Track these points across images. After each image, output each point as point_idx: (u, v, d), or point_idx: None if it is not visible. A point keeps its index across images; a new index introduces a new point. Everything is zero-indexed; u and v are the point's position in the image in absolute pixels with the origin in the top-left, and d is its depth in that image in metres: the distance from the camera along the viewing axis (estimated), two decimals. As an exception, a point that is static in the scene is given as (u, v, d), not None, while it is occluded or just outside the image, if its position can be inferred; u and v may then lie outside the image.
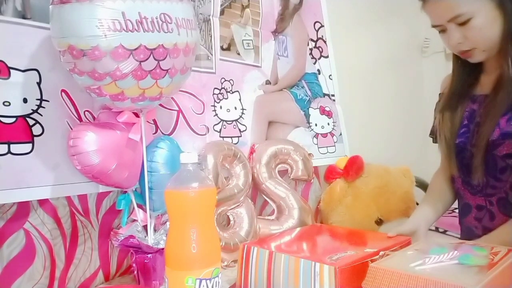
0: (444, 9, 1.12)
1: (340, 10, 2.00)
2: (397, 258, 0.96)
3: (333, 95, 1.85)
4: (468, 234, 1.27)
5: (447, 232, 1.66)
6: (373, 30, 2.24)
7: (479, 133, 1.18)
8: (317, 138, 1.77)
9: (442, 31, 1.17)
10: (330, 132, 1.81)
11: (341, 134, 1.85)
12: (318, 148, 1.76)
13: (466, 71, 1.24)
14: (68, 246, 1.14)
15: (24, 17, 1.05)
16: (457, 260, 0.92)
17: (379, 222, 1.56)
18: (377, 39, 2.27)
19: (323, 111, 1.81)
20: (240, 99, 1.55)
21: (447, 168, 1.30)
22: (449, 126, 1.26)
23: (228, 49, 1.52)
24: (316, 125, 1.78)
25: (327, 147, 1.79)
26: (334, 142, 1.82)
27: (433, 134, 1.36)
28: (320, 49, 1.84)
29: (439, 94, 1.37)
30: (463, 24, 1.11)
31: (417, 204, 1.48)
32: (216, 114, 1.47)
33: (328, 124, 1.82)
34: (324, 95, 1.83)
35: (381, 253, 1.02)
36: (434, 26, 1.18)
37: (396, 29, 2.41)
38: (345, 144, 1.85)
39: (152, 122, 1.27)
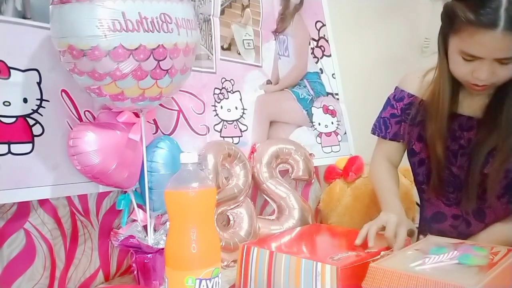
0: (504, 47, 1.01)
1: (341, 9, 2.00)
2: (397, 258, 0.96)
3: (336, 94, 1.85)
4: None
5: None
6: (374, 30, 2.24)
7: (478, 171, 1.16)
8: (320, 138, 1.77)
9: (471, 60, 1.06)
10: (334, 131, 1.81)
11: (345, 133, 1.84)
12: (322, 147, 1.76)
13: (454, 89, 1.18)
14: (68, 246, 1.14)
15: (24, 17, 1.05)
16: (457, 260, 0.92)
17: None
18: (377, 38, 2.26)
19: (326, 110, 1.80)
20: (240, 99, 1.55)
21: (436, 184, 1.25)
22: (442, 147, 1.20)
23: (228, 49, 1.52)
24: (319, 124, 1.77)
25: (331, 146, 1.79)
26: (339, 141, 1.81)
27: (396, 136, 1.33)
28: (322, 48, 1.84)
29: (400, 90, 1.32)
30: (504, 63, 1.03)
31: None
32: (217, 114, 1.47)
33: (332, 123, 1.81)
34: (328, 94, 1.82)
35: (382, 253, 1.02)
36: (468, 55, 1.05)
37: (397, 28, 2.40)
38: (350, 143, 1.85)
39: (152, 122, 1.27)
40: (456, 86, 1.17)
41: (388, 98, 1.36)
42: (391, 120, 1.33)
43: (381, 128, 1.35)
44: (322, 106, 1.79)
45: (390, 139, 1.33)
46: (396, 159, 1.36)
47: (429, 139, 1.22)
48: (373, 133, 1.37)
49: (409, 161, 1.33)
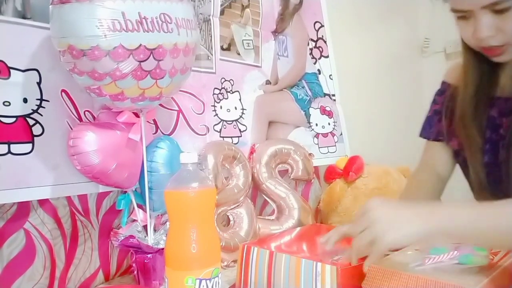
0: None
1: (340, 10, 2.00)
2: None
3: (333, 95, 1.85)
4: None
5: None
6: (373, 30, 2.24)
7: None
8: (317, 138, 1.77)
9: (464, 17, 0.93)
10: (330, 132, 1.81)
11: (341, 134, 1.85)
12: (319, 148, 1.76)
13: (483, 68, 1.01)
14: (68, 246, 1.15)
15: (24, 17, 1.05)
16: (457, 260, 0.92)
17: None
18: (377, 39, 2.27)
19: (323, 111, 1.81)
20: (240, 99, 1.55)
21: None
22: (477, 142, 1.03)
23: (228, 49, 1.52)
24: (316, 125, 1.78)
25: (327, 147, 1.79)
26: (335, 142, 1.82)
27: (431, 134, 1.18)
28: (320, 49, 1.84)
29: (442, 82, 1.18)
30: (501, 12, 0.87)
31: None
32: (216, 114, 1.47)
33: (329, 124, 1.81)
34: (325, 95, 1.83)
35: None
36: (455, 11, 0.93)
37: (396, 29, 2.41)
38: (345, 144, 1.85)
39: (152, 122, 1.27)
40: (489, 64, 1.00)
41: (434, 94, 1.21)
42: (435, 118, 1.17)
43: (425, 128, 1.19)
44: (319, 107, 1.80)
45: (434, 140, 1.17)
46: (442, 166, 1.15)
47: (457, 123, 1.06)
48: (420, 135, 1.22)
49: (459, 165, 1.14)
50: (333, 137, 1.82)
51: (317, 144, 1.76)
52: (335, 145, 1.82)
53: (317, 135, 1.77)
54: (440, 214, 0.83)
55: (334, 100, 1.85)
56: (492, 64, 0.99)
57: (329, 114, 1.82)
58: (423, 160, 1.20)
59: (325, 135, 1.80)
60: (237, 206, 1.41)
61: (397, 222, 0.83)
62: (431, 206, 0.87)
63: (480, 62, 1.00)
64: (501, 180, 1.00)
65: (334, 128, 1.82)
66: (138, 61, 0.95)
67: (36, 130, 1.05)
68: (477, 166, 1.04)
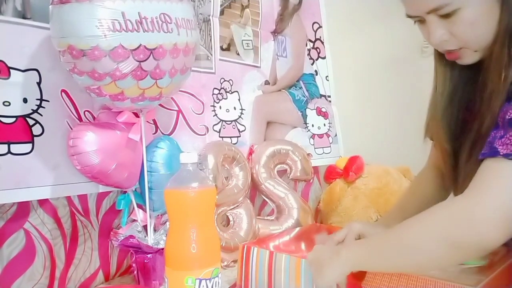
0: None
1: (339, 10, 2.00)
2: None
3: (329, 96, 1.86)
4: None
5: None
6: (373, 30, 2.24)
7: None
8: (313, 139, 1.78)
9: (420, 21, 0.92)
10: (326, 133, 1.82)
11: (336, 135, 1.85)
12: (315, 148, 1.77)
13: (456, 72, 0.98)
14: (68, 246, 1.14)
15: (24, 17, 1.05)
16: (457, 260, 0.92)
17: (379, 222, 1.56)
18: (377, 39, 2.27)
19: (319, 112, 1.81)
20: (239, 99, 1.55)
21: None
22: (444, 147, 1.00)
23: (227, 49, 1.52)
24: (312, 125, 1.78)
25: (323, 147, 1.80)
26: (330, 143, 1.83)
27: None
28: (318, 50, 1.84)
29: None
30: (447, 16, 0.85)
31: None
32: (216, 114, 1.47)
33: (324, 125, 1.82)
34: (321, 96, 1.83)
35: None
36: (408, 16, 0.93)
37: (396, 29, 2.40)
38: (340, 145, 1.86)
39: (152, 122, 1.27)
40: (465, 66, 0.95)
41: None
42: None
43: None
44: (315, 108, 1.80)
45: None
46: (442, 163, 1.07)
47: (429, 128, 1.05)
48: None
49: None
50: (328, 138, 1.82)
51: (313, 144, 1.77)
52: (330, 146, 1.83)
53: (313, 136, 1.78)
54: (344, 255, 0.87)
55: (330, 101, 1.86)
56: (470, 66, 0.93)
57: (325, 115, 1.83)
58: (429, 156, 1.19)
59: (320, 136, 1.80)
60: (237, 206, 1.41)
61: (319, 267, 0.90)
62: (338, 249, 0.90)
63: (453, 66, 0.97)
64: None
65: (329, 129, 1.83)
66: (138, 61, 0.95)
67: (36, 130, 1.05)
68: (450, 175, 1.02)
